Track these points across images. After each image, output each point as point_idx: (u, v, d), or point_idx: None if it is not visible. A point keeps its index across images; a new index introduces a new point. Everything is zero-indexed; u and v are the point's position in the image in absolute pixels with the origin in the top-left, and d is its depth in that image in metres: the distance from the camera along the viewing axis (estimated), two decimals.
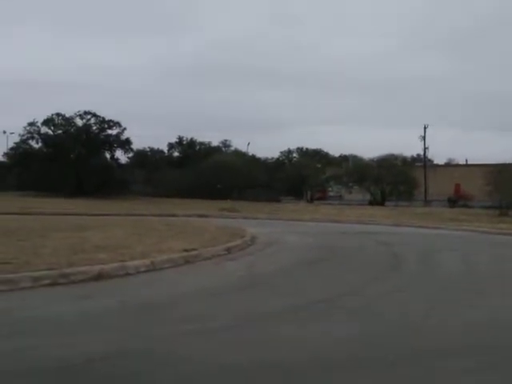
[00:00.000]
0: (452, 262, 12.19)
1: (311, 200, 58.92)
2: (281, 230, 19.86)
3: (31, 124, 57.00)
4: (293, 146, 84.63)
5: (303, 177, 59.79)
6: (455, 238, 19.24)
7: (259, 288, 8.65)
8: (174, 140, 75.28)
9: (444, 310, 7.32)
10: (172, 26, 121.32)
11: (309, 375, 4.50)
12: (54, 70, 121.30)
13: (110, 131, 58.90)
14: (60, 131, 57.75)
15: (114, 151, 59.80)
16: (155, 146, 75.33)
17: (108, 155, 60.47)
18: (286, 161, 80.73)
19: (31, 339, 5.35)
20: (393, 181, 54.53)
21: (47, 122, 57.33)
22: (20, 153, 57.28)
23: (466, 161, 70.90)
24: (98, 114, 58.14)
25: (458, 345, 5.58)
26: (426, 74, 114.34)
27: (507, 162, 42.83)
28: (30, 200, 39.12)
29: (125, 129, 58.47)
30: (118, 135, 58.76)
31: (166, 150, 76.27)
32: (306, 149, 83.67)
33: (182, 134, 74.80)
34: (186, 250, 11.49)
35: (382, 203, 52.43)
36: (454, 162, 76.86)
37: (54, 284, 8.11)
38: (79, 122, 58.37)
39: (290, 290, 8.50)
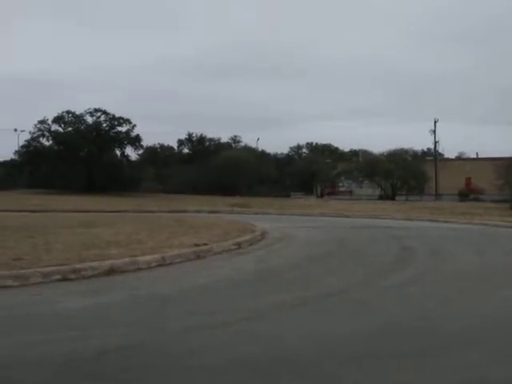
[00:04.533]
0: (464, 256, 12.11)
1: (321, 195, 58.84)
2: (291, 225, 19.83)
3: (42, 122, 57.37)
4: (302, 142, 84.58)
5: (313, 172, 59.67)
6: (466, 231, 19.13)
7: (270, 282, 8.64)
8: (183, 136, 75.44)
9: (458, 302, 7.27)
10: (180, 23, 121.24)
11: (321, 368, 4.48)
12: (64, 67, 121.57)
13: (119, 128, 59.18)
14: (70, 129, 58.03)
15: (124, 148, 60.10)
16: (165, 143, 75.59)
17: (118, 152, 60.78)
18: (295, 156, 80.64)
19: (42, 334, 5.37)
20: (403, 175, 54.33)
21: (57, 119, 57.65)
22: (31, 151, 57.60)
23: (477, 154, 70.40)
24: (108, 111, 58.37)
25: (471, 335, 5.54)
26: (436, 68, 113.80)
27: None
28: (41, 197, 39.33)
29: (135, 126, 58.74)
30: (127, 132, 58.99)
31: (175, 146, 76.49)
32: (316, 144, 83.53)
33: (191, 131, 74.95)
34: (196, 245, 11.50)
35: (392, 198, 52.26)
36: (465, 156, 76.40)
37: (64, 279, 8.14)
38: (89, 120, 58.73)
39: (301, 284, 8.48)
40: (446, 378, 4.26)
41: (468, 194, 52.41)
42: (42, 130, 57.61)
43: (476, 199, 47.74)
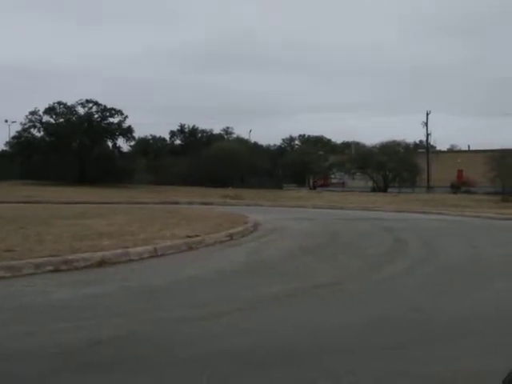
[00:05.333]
0: (456, 248, 12.16)
1: (314, 187, 58.88)
2: (283, 217, 19.84)
3: (33, 113, 56.93)
4: (295, 133, 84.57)
5: (306, 164, 59.66)
6: (458, 223, 19.21)
7: (262, 273, 8.63)
8: (175, 128, 75.23)
9: (450, 294, 7.28)
10: (171, 13, 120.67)
11: (314, 358, 4.48)
12: (54, 58, 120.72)
13: (111, 119, 58.75)
14: (62, 120, 57.63)
15: (116, 139, 59.71)
16: (157, 134, 75.38)
17: (110, 143, 60.43)
18: (288, 148, 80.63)
19: (34, 325, 5.34)
20: (395, 167, 54.43)
21: (49, 110, 57.21)
22: (22, 142, 57.17)
23: (469, 147, 70.60)
24: (100, 102, 58.07)
25: (464, 326, 5.56)
26: (429, 60, 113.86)
27: (510, 148, 42.76)
28: (33, 189, 39.11)
29: (126, 117, 58.35)
30: (119, 123, 58.61)
31: (167, 137, 76.27)
32: (308, 136, 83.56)
33: (183, 122, 74.74)
34: (188, 237, 11.48)
35: (384, 190, 52.39)
36: (457, 148, 76.59)
37: (56, 270, 8.10)
38: (81, 111, 58.26)
39: (294, 275, 8.48)
40: (439, 368, 4.27)
41: (460, 186, 52.57)
42: (34, 121, 57.16)
43: (468, 191, 47.90)
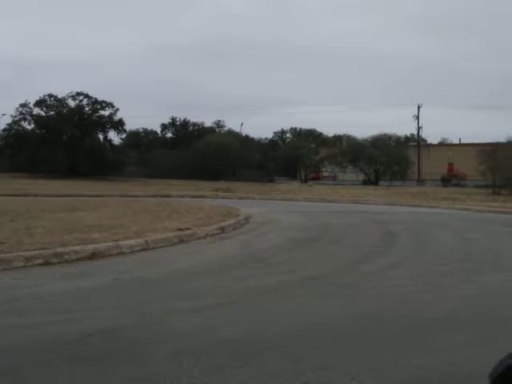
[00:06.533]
0: (446, 240, 12.22)
1: (305, 180, 58.94)
2: (275, 210, 19.85)
3: (23, 105, 56.56)
4: (286, 126, 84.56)
5: (297, 157, 59.72)
6: (448, 216, 19.31)
7: (253, 266, 8.64)
8: (167, 121, 75.02)
9: (440, 286, 7.32)
10: (163, 9, 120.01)
11: (305, 349, 4.50)
12: (44, 49, 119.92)
13: (102, 112, 58.52)
14: (52, 112, 57.32)
15: (107, 132, 59.50)
16: (148, 127, 75.17)
17: (101, 136, 60.19)
18: (279, 141, 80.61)
19: (24, 318, 5.33)
20: (386, 161, 54.57)
21: (39, 103, 56.88)
22: (12, 134, 56.85)
23: (460, 140, 70.99)
24: (91, 94, 57.79)
25: (454, 318, 5.60)
26: (420, 54, 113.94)
27: (500, 141, 43.00)
28: (23, 181, 38.93)
29: (117, 109, 58.15)
30: (110, 116, 58.39)
31: (159, 130, 76.06)
32: (300, 129, 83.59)
33: (175, 115, 74.54)
34: (180, 230, 11.47)
35: (375, 183, 52.55)
36: (448, 142, 76.85)
37: (47, 263, 8.08)
38: (71, 103, 57.99)
39: (285, 268, 8.49)
40: (430, 359, 4.30)
41: (451, 179, 52.80)
42: (24, 114, 56.81)
43: (458, 184, 48.12)
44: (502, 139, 44.13)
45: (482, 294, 6.84)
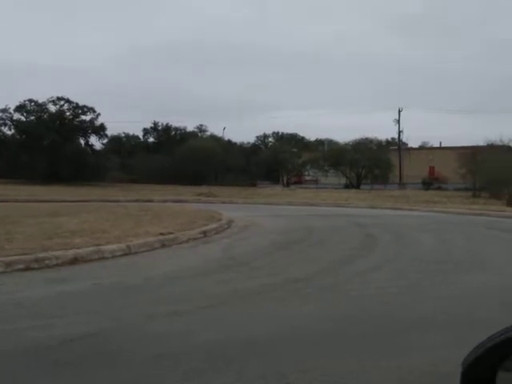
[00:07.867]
0: (426, 242, 12.33)
1: (287, 184, 59.02)
2: (257, 214, 19.88)
3: (3, 110, 55.99)
4: (269, 131, 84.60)
5: (279, 161, 59.80)
6: (428, 218, 19.48)
7: (236, 269, 8.65)
8: (149, 125, 74.67)
9: (420, 287, 7.40)
10: (145, 11, 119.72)
11: (288, 352, 4.52)
12: (23, 53, 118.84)
13: (83, 117, 58.05)
14: (33, 117, 56.87)
15: (89, 137, 59.05)
16: (130, 132, 74.77)
17: (82, 141, 59.78)
18: (261, 145, 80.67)
19: (4, 323, 5.29)
20: (368, 164, 54.87)
21: (19, 108, 56.37)
22: None
23: (440, 143, 71.43)
24: (72, 99, 57.42)
25: (433, 320, 5.65)
26: (400, 57, 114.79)
27: (480, 145, 43.46)
28: (3, 187, 38.51)
29: (99, 114, 57.73)
30: (92, 121, 58.01)
31: (141, 135, 75.70)
32: (282, 133, 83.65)
33: (157, 120, 74.23)
34: (162, 234, 11.45)
35: (357, 186, 52.81)
36: (428, 145, 77.41)
37: (27, 269, 8.02)
38: (52, 108, 57.52)
39: (267, 271, 8.52)
40: (409, 360, 4.34)
41: (432, 182, 53.19)
42: (4, 119, 56.28)
43: (439, 188, 48.52)
44: (482, 143, 44.52)
45: (461, 295, 6.92)
